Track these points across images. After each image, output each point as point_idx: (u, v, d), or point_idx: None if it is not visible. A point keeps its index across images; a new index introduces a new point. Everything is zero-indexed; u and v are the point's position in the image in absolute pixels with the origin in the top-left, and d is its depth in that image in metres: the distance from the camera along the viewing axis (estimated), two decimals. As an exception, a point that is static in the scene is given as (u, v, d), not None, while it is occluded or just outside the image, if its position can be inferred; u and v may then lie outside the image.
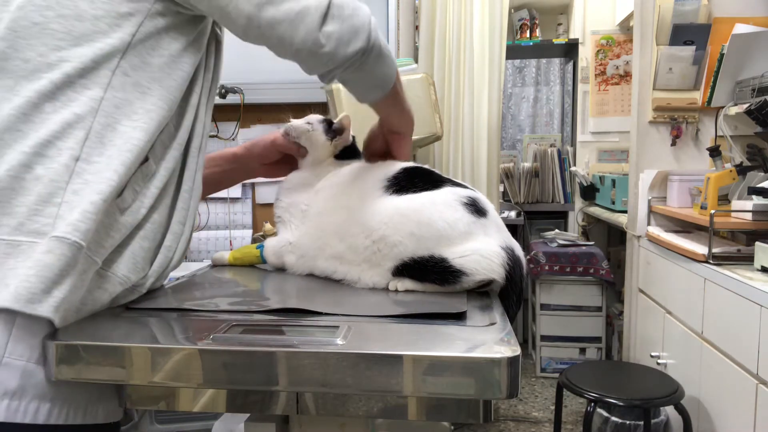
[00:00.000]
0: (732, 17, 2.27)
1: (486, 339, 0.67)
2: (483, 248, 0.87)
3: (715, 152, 2.15)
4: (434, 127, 2.04)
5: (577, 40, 3.69)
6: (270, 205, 1.12)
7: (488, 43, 2.58)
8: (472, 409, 0.67)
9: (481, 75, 2.58)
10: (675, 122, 2.40)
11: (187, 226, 0.88)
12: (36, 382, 0.68)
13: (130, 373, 0.65)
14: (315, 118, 1.09)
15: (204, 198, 1.09)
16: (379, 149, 1.05)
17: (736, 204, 1.90)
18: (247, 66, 2.45)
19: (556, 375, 3.03)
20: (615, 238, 3.58)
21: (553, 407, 2.69)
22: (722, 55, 2.24)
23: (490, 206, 0.92)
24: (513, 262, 0.89)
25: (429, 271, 0.87)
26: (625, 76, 3.64)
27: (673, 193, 2.30)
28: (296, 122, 1.08)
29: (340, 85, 1.93)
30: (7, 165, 0.70)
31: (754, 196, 1.82)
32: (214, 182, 1.12)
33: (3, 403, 0.66)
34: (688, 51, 2.32)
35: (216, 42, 0.90)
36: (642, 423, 1.89)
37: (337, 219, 0.96)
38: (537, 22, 3.77)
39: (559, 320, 3.20)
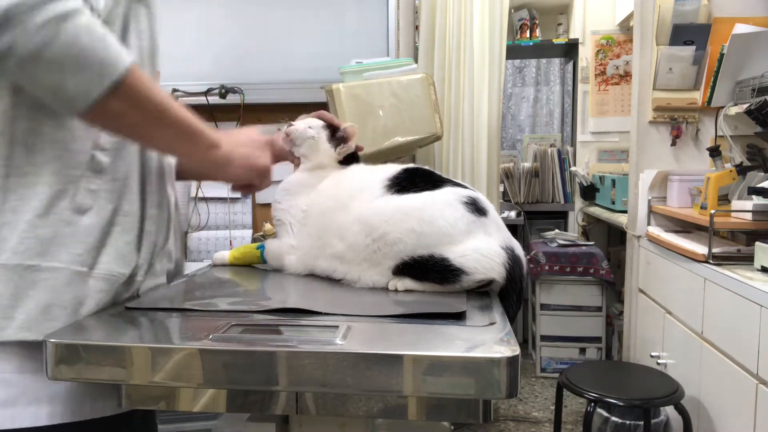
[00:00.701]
0: (732, 17, 2.27)
1: (486, 339, 0.67)
2: (483, 247, 0.87)
3: (715, 152, 2.15)
4: (434, 127, 2.04)
5: (577, 40, 3.69)
6: (270, 206, 1.12)
7: (488, 43, 2.58)
8: (471, 409, 0.67)
9: (481, 75, 2.58)
10: (675, 122, 2.40)
11: (163, 208, 0.86)
12: (25, 389, 0.70)
13: (130, 373, 0.65)
14: (317, 123, 1.06)
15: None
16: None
17: (736, 204, 1.90)
18: (247, 66, 2.46)
19: (556, 375, 3.03)
20: (615, 238, 3.58)
21: (553, 407, 2.69)
22: (722, 55, 2.24)
23: (490, 206, 0.93)
24: (513, 261, 0.89)
25: (429, 270, 0.87)
26: (625, 76, 3.64)
27: (673, 193, 2.30)
28: (299, 126, 1.05)
29: (340, 85, 1.95)
30: None
31: (754, 196, 1.82)
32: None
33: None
34: (688, 51, 2.32)
35: (145, 6, 0.82)
36: (642, 423, 1.89)
37: (337, 219, 0.96)
38: (537, 22, 3.77)
39: (559, 320, 3.20)
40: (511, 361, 0.60)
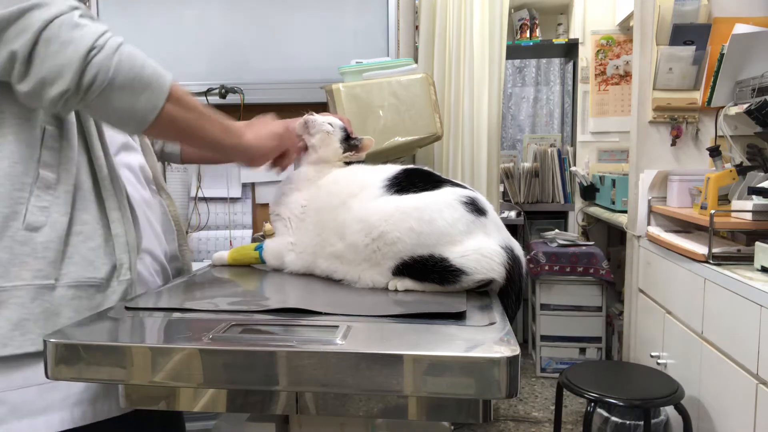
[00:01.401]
0: (732, 17, 2.27)
1: (485, 339, 0.67)
2: (483, 247, 0.87)
3: (715, 152, 2.15)
4: (434, 127, 2.04)
5: (577, 40, 3.69)
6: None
7: (488, 43, 2.58)
8: (471, 409, 0.67)
9: (481, 75, 2.58)
10: (675, 122, 2.40)
11: (125, 208, 0.86)
12: (15, 405, 0.73)
13: (130, 373, 0.65)
14: (337, 122, 1.09)
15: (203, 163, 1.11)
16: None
17: (736, 204, 1.90)
18: (247, 66, 2.46)
19: (556, 375, 3.03)
20: (615, 238, 3.58)
21: (553, 407, 2.69)
22: (722, 55, 2.24)
23: (489, 206, 0.93)
24: (513, 261, 0.89)
25: (429, 270, 0.87)
26: (625, 76, 3.64)
27: (673, 193, 2.30)
28: (318, 118, 1.09)
29: (340, 85, 1.95)
30: None
31: (754, 196, 1.82)
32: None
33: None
34: (688, 51, 2.32)
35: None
36: (642, 423, 1.89)
37: (337, 216, 0.96)
38: (537, 22, 3.77)
39: (559, 320, 3.20)
40: (511, 360, 0.60)
